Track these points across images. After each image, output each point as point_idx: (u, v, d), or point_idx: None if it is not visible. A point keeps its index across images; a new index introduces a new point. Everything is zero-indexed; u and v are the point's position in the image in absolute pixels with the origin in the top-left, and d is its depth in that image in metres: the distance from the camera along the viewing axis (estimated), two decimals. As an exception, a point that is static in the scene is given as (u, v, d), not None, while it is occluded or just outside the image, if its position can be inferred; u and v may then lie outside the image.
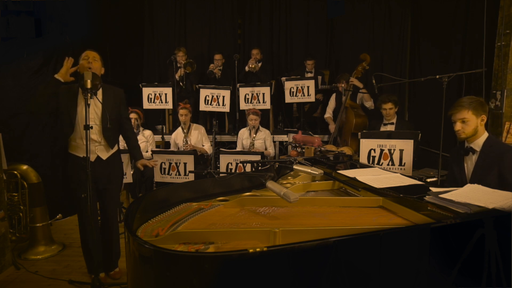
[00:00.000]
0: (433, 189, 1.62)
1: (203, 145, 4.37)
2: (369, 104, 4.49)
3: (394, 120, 3.92)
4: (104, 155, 2.56)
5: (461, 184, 1.66)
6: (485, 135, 2.28)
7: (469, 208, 1.39)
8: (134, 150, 2.82)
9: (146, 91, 4.89)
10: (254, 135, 4.34)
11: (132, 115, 4.09)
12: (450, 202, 1.46)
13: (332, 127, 4.53)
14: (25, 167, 3.25)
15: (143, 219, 1.60)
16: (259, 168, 2.68)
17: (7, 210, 3.07)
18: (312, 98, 4.76)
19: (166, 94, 4.86)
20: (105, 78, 2.63)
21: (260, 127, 4.43)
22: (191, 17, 5.87)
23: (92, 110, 2.43)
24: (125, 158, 3.39)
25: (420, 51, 5.07)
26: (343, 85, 4.47)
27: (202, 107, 4.82)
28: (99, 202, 2.64)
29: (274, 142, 4.73)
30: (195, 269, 1.12)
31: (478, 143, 2.28)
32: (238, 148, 4.48)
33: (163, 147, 5.00)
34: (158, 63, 5.87)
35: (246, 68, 5.07)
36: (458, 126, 2.28)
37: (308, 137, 3.94)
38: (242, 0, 5.83)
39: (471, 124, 2.24)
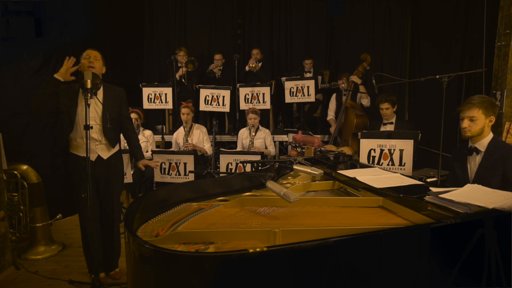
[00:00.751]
0: (433, 189, 1.62)
1: (203, 145, 4.37)
2: (366, 102, 4.50)
3: (394, 120, 3.92)
4: (105, 155, 2.56)
5: (463, 185, 1.66)
6: (490, 135, 2.24)
7: (469, 208, 1.39)
8: (135, 150, 2.82)
9: (146, 91, 4.89)
10: (254, 134, 4.34)
11: (132, 115, 4.09)
12: (450, 202, 1.46)
13: (333, 129, 4.53)
14: (25, 167, 3.25)
15: (143, 219, 1.60)
16: (259, 168, 2.68)
17: (7, 210, 3.07)
18: (312, 98, 4.75)
19: (166, 94, 4.86)
20: (105, 78, 2.64)
21: (260, 126, 4.43)
22: (191, 17, 5.87)
23: (92, 109, 2.43)
24: (125, 158, 3.38)
25: (420, 51, 5.07)
26: (343, 84, 4.47)
27: (202, 107, 4.82)
28: (99, 202, 2.64)
29: (274, 142, 4.74)
30: (195, 269, 1.12)
31: (483, 144, 2.24)
32: (238, 148, 4.48)
33: (163, 147, 5.00)
34: (158, 63, 5.87)
35: (246, 68, 5.07)
36: (465, 123, 2.22)
37: (308, 137, 3.94)
38: (242, 0, 5.83)
39: (479, 124, 2.20)
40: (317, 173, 1.98)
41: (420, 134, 3.21)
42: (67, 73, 2.39)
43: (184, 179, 3.70)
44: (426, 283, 1.23)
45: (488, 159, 2.20)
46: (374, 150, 3.23)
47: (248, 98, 4.79)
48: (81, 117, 2.41)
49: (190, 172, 3.68)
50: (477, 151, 2.25)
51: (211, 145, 4.47)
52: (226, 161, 3.81)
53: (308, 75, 5.11)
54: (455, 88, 4.06)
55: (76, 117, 2.44)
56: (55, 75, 2.37)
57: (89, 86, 2.21)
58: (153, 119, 5.39)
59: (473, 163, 2.29)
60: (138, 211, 1.60)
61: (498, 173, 2.14)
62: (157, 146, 4.80)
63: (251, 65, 4.96)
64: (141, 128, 4.41)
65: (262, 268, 1.11)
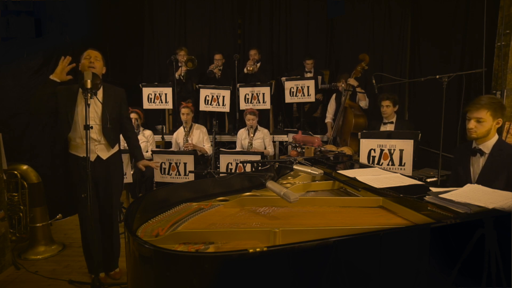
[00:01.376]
0: (433, 189, 1.62)
1: (203, 145, 4.37)
2: (364, 103, 4.50)
3: (394, 120, 3.92)
4: (104, 155, 2.55)
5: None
6: (496, 137, 2.18)
7: (469, 208, 1.39)
8: (135, 150, 2.81)
9: (146, 91, 4.89)
10: (252, 135, 4.34)
11: (132, 115, 4.09)
12: (450, 202, 1.46)
13: (330, 134, 4.52)
14: (25, 167, 3.25)
15: (143, 219, 1.60)
16: (259, 168, 2.68)
17: (7, 210, 3.07)
18: (312, 98, 4.76)
19: (166, 94, 4.87)
20: (105, 78, 2.64)
21: (259, 126, 4.43)
22: (191, 17, 5.87)
23: (92, 109, 2.43)
24: (125, 158, 3.39)
25: (420, 51, 5.07)
26: (343, 84, 4.47)
27: (202, 107, 4.82)
28: (99, 202, 2.64)
29: (274, 142, 4.74)
30: (195, 269, 1.12)
31: (487, 145, 2.17)
32: (238, 149, 4.48)
33: (163, 147, 5.00)
34: (158, 63, 5.87)
35: (245, 70, 5.07)
36: (472, 124, 2.15)
37: (308, 137, 3.94)
38: (242, 0, 5.84)
39: (486, 125, 2.12)
40: (317, 173, 1.98)
41: (420, 134, 3.21)
42: (62, 73, 2.37)
43: (184, 179, 3.70)
44: (426, 283, 1.23)
45: (493, 161, 2.14)
46: (374, 150, 3.23)
47: (248, 98, 4.79)
48: (81, 117, 2.41)
49: (190, 172, 3.68)
50: (481, 153, 2.19)
51: (211, 145, 4.47)
52: (226, 161, 3.81)
53: (308, 75, 5.11)
54: (455, 88, 4.06)
55: (75, 117, 2.44)
56: (51, 76, 2.36)
57: (89, 86, 2.21)
58: (153, 119, 5.39)
59: (477, 164, 2.23)
60: (138, 211, 1.60)
61: (502, 176, 2.08)
62: (157, 146, 4.80)
63: (249, 68, 4.98)
64: (141, 128, 4.42)
65: (262, 268, 1.11)
